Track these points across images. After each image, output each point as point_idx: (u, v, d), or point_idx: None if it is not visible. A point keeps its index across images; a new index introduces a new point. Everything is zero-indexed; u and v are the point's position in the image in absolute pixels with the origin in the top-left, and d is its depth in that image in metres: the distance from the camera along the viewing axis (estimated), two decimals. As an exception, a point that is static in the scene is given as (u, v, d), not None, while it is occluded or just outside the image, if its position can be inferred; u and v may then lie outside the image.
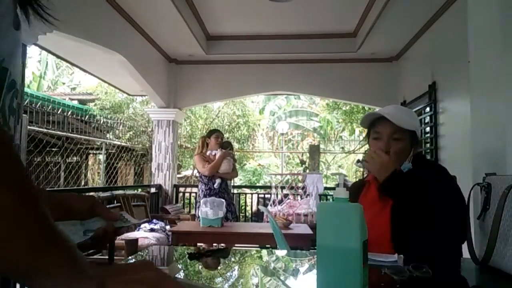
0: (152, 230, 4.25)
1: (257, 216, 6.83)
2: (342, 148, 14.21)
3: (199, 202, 4.18)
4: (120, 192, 4.77)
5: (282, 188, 5.61)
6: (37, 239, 0.43)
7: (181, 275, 1.13)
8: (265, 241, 3.47)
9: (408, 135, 1.42)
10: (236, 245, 3.86)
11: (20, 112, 2.88)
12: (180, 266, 1.23)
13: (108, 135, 10.78)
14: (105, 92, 10.74)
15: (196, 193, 7.07)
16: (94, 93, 11.53)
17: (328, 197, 6.51)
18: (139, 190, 6.08)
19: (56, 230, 0.46)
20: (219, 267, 1.23)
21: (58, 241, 0.46)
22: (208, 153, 4.36)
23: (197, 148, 4.53)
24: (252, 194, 7.36)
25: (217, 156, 4.29)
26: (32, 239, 0.43)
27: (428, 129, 4.46)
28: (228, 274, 1.17)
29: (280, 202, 5.34)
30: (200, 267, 1.21)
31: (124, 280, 0.49)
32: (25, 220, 0.43)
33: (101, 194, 4.54)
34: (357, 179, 7.63)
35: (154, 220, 4.68)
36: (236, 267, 1.25)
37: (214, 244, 3.57)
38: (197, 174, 4.41)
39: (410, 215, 1.29)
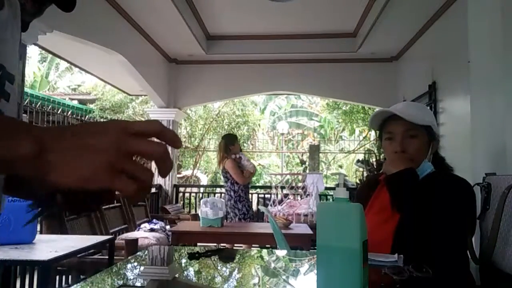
0: (152, 230, 4.25)
1: (257, 216, 6.82)
2: (342, 148, 14.20)
3: (228, 207, 4.30)
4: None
5: (282, 188, 5.61)
6: None
7: (181, 275, 1.13)
8: (265, 241, 3.47)
9: (424, 131, 1.32)
10: (236, 245, 3.86)
11: (20, 111, 2.88)
12: (180, 266, 1.23)
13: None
14: (102, 93, 10.72)
15: (196, 193, 7.11)
16: (93, 92, 11.53)
17: (328, 197, 6.51)
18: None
19: None
20: (219, 267, 1.23)
21: None
22: (233, 157, 4.39)
23: (221, 152, 4.39)
24: (252, 194, 7.36)
25: (243, 160, 4.41)
26: None
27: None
28: (228, 274, 1.17)
29: (280, 202, 5.33)
30: (200, 267, 1.21)
31: (70, 146, 0.39)
32: None
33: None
34: (357, 179, 7.62)
35: (154, 220, 4.68)
36: (236, 267, 1.25)
37: (214, 244, 3.57)
38: (226, 178, 4.37)
39: (416, 228, 1.21)
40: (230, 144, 4.40)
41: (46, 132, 0.40)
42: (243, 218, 4.30)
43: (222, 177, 4.55)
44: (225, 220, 3.96)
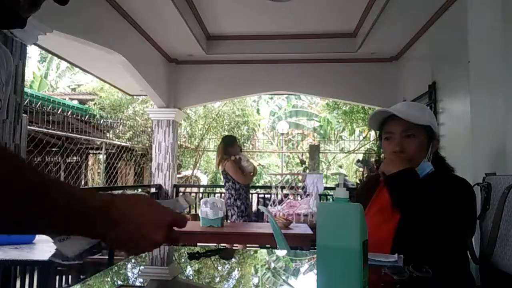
0: (152, 230, 4.25)
1: (257, 216, 6.82)
2: (342, 148, 14.20)
3: (227, 205, 4.37)
4: (120, 192, 4.77)
5: (282, 188, 5.60)
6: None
7: (181, 275, 1.13)
8: (265, 241, 3.47)
9: (423, 131, 1.32)
10: (236, 245, 3.86)
11: (20, 111, 2.88)
12: (180, 266, 1.23)
13: (108, 135, 10.77)
14: (101, 88, 10.71)
15: (196, 193, 7.11)
16: (92, 91, 11.52)
17: (328, 197, 6.51)
18: (139, 190, 6.08)
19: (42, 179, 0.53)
20: (219, 267, 1.23)
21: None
22: (232, 158, 4.44)
23: (220, 154, 4.50)
24: (252, 194, 7.35)
25: (243, 161, 4.45)
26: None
27: (428, 129, 4.46)
28: (228, 274, 1.17)
29: (280, 202, 5.33)
30: (200, 267, 1.21)
31: (130, 233, 0.55)
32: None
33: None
34: (357, 179, 7.63)
35: (154, 220, 4.68)
36: (236, 267, 1.25)
37: (214, 244, 3.57)
38: (227, 179, 4.45)
39: (416, 228, 1.21)
40: (229, 146, 4.46)
41: (115, 216, 0.55)
42: (241, 216, 4.37)
43: (222, 178, 4.59)
44: (225, 220, 4.00)
